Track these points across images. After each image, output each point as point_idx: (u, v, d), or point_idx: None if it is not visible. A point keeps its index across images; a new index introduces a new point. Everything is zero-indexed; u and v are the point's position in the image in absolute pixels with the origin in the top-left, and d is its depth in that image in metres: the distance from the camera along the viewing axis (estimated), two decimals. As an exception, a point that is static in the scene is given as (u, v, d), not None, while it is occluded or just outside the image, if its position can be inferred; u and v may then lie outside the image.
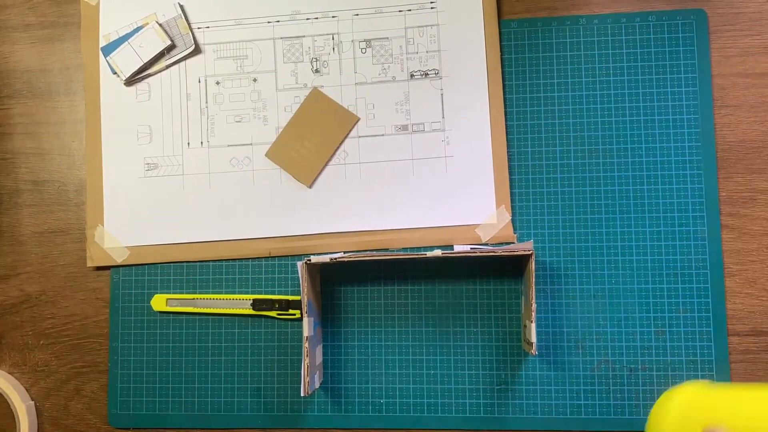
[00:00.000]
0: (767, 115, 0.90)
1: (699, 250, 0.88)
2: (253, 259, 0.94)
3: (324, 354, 0.92)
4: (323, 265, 0.91)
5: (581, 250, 0.90)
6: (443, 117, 0.93)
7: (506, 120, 0.92)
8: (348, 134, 0.94)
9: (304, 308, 0.84)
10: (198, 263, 0.94)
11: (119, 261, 0.94)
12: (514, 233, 0.91)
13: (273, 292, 0.93)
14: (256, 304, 0.92)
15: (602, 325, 0.88)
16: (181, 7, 0.96)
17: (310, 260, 0.84)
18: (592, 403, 0.88)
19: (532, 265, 0.83)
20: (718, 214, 0.89)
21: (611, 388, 0.88)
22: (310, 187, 0.93)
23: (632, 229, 0.89)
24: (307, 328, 0.84)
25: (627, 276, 0.89)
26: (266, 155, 0.94)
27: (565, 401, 0.88)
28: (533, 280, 0.82)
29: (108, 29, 0.97)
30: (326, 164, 0.93)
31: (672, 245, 0.89)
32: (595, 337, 0.88)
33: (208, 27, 0.96)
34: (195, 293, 0.94)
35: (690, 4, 0.91)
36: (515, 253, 0.84)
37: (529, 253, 0.83)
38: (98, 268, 0.96)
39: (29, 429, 0.93)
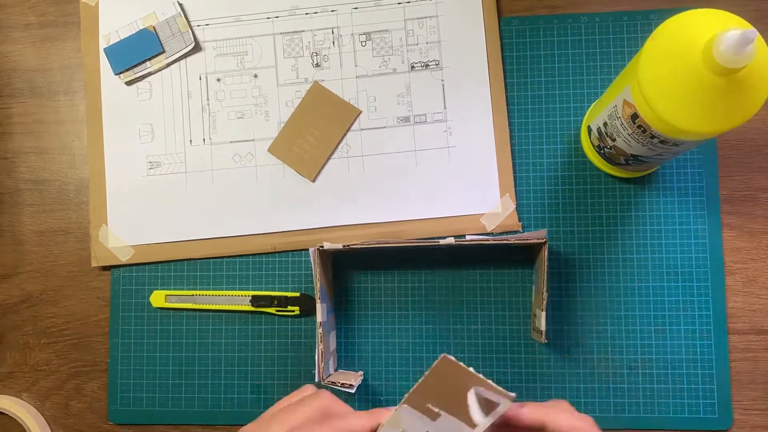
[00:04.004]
0: (768, 114, 0.95)
1: (699, 249, 0.93)
2: (254, 255, 0.98)
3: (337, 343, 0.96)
4: (335, 253, 0.95)
5: (582, 248, 0.94)
6: (445, 107, 0.97)
7: (508, 117, 0.96)
8: (350, 127, 0.98)
9: (317, 294, 0.88)
10: (198, 260, 0.99)
11: (124, 260, 0.98)
12: (519, 221, 0.95)
13: (273, 289, 0.97)
14: (255, 301, 0.96)
15: (602, 323, 0.93)
16: (180, 5, 1.00)
17: (323, 246, 0.88)
18: (592, 401, 0.92)
19: (545, 253, 0.86)
20: (719, 213, 0.93)
21: (611, 385, 0.92)
22: (313, 181, 0.98)
23: (633, 227, 0.94)
24: (320, 314, 0.88)
25: (627, 274, 0.93)
26: (269, 150, 0.98)
27: (565, 398, 0.88)
28: (546, 268, 0.86)
29: (107, 29, 1.01)
30: (329, 158, 0.98)
31: (672, 243, 0.93)
32: (595, 334, 0.93)
33: (207, 24, 1.00)
34: (195, 289, 0.98)
35: (692, 4, 0.94)
36: (529, 242, 0.87)
37: (543, 241, 0.86)
38: (103, 268, 1.00)
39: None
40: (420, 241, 0.90)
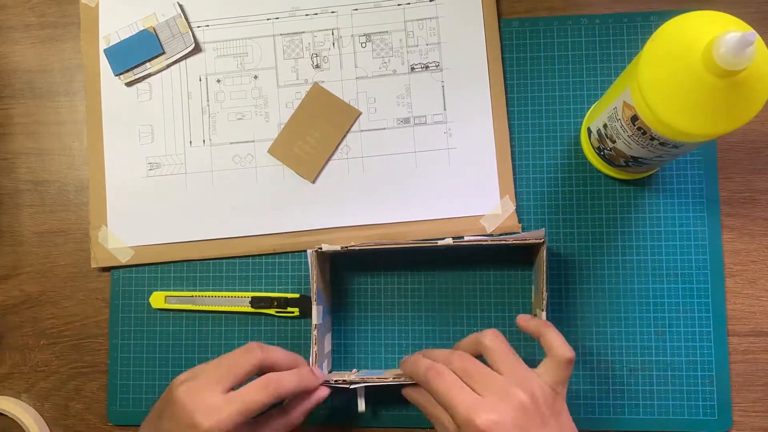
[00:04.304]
0: (767, 116, 0.94)
1: (699, 250, 0.93)
2: (254, 256, 0.98)
3: (333, 344, 0.96)
4: (334, 255, 0.95)
5: (581, 249, 0.94)
6: (445, 109, 0.98)
7: (508, 118, 0.97)
8: (350, 129, 0.98)
9: (313, 296, 0.88)
10: (198, 261, 0.99)
11: (124, 261, 0.99)
12: (519, 223, 0.96)
13: (273, 290, 0.97)
14: (255, 302, 0.96)
15: (602, 325, 0.93)
16: (181, 6, 1.00)
17: (321, 248, 0.88)
18: (592, 403, 0.92)
19: (544, 253, 0.86)
20: (719, 214, 0.93)
21: (611, 387, 0.92)
22: (313, 182, 0.98)
23: (632, 229, 0.94)
24: (316, 316, 0.88)
25: (627, 276, 0.93)
26: (268, 152, 0.98)
27: (565, 400, 0.91)
28: (545, 268, 0.86)
29: (108, 30, 1.01)
30: (329, 159, 0.98)
31: (672, 245, 0.93)
32: (594, 336, 0.93)
33: (207, 25, 1.00)
34: (195, 290, 0.99)
35: (691, 5, 0.94)
36: (527, 242, 0.87)
37: (541, 241, 0.87)
38: (102, 269, 1.00)
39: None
40: (419, 242, 0.90)
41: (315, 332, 0.88)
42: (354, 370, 0.93)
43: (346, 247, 0.89)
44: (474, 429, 0.72)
